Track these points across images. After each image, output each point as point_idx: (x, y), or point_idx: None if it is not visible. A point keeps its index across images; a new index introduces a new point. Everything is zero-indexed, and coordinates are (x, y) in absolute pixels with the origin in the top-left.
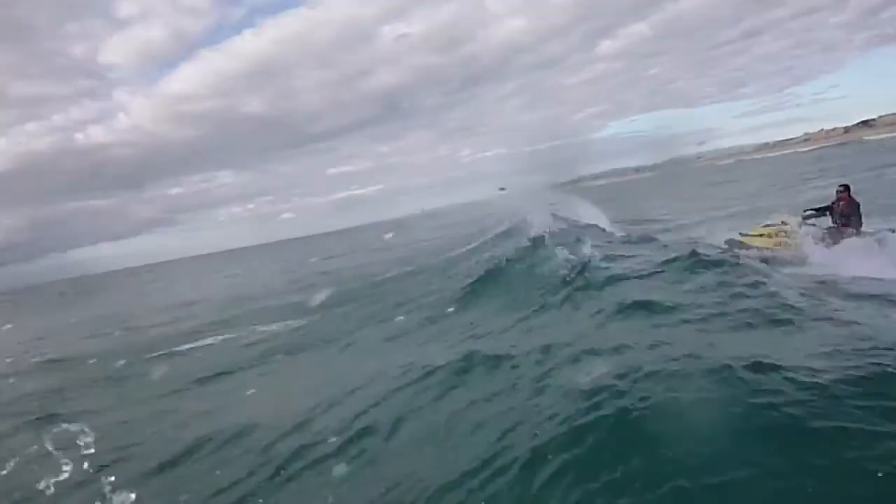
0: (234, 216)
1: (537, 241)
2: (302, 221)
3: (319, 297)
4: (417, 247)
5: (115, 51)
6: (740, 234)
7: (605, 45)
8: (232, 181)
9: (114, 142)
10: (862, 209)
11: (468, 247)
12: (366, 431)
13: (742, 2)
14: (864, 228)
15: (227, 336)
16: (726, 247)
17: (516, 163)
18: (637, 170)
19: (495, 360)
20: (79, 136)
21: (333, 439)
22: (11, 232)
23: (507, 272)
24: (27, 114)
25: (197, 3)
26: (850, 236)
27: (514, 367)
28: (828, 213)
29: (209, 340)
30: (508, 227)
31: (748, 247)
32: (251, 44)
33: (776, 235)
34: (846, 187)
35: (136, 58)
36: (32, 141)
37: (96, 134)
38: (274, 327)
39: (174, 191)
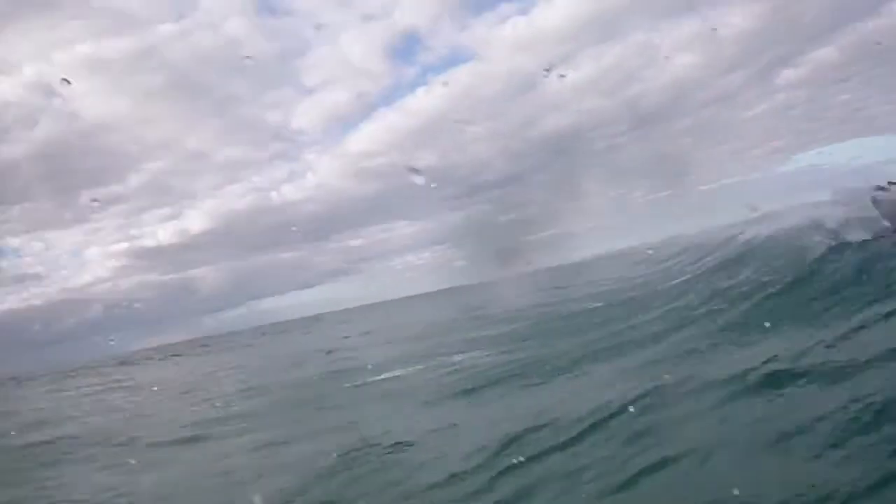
0: (409, 264)
1: None
2: (474, 268)
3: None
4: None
5: (304, 116)
6: None
7: (786, 74)
8: (408, 231)
9: (302, 199)
10: None
11: None
12: None
13: None
14: None
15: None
16: None
17: (688, 203)
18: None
19: None
20: (273, 194)
21: None
22: (216, 283)
23: None
24: (231, 176)
25: (374, 67)
26: None
27: None
28: None
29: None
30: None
31: None
32: (424, 100)
33: None
34: None
35: (321, 121)
36: (235, 201)
37: (288, 192)
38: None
39: (355, 242)
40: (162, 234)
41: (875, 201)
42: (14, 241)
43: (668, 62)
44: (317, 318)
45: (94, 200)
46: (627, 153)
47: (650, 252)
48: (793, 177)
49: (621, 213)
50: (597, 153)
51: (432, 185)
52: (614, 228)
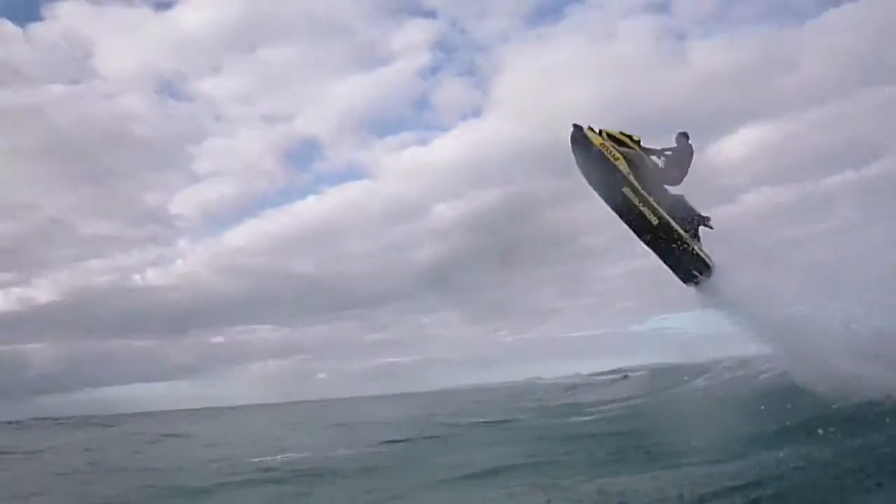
0: (268, 371)
1: None
2: (337, 383)
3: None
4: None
5: (186, 202)
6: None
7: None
8: (272, 336)
9: (167, 286)
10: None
11: None
12: None
13: None
14: None
15: None
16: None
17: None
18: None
19: None
20: (136, 276)
21: None
22: (51, 362)
23: None
24: (93, 251)
25: (268, 167)
26: None
27: None
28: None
29: None
30: None
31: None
32: (313, 208)
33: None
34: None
35: (204, 210)
36: (93, 276)
37: (153, 276)
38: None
39: (215, 339)
40: (2, 299)
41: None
42: None
43: (544, 212)
44: (151, 415)
45: None
46: (498, 292)
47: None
48: (647, 336)
49: (488, 348)
50: (468, 287)
51: (303, 294)
52: (480, 361)
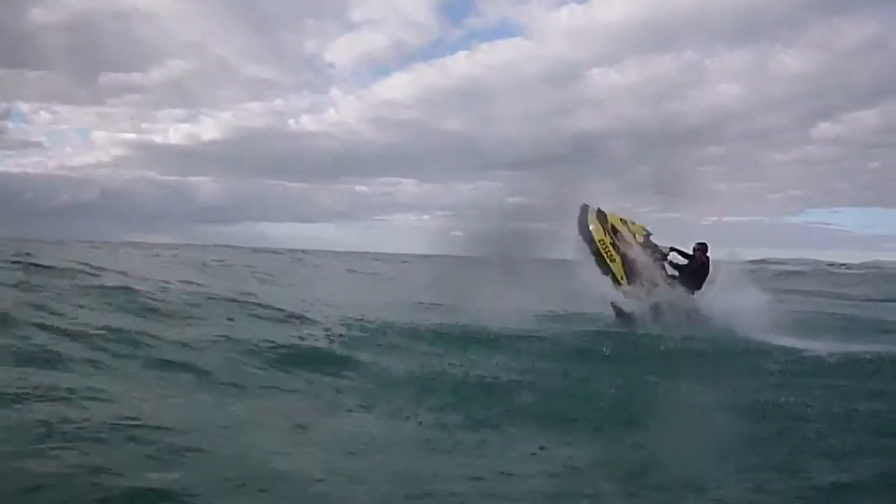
0: (409, 223)
1: None
2: (470, 242)
3: None
4: None
5: (340, 51)
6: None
7: (824, 128)
8: (414, 190)
9: (319, 132)
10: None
11: None
12: None
13: None
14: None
15: None
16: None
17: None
18: (832, 265)
19: None
20: (291, 121)
21: None
22: (216, 195)
23: None
24: (254, 94)
25: (422, 20)
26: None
27: None
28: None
29: None
30: None
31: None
32: (463, 64)
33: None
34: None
35: (356, 60)
36: (253, 119)
37: (306, 122)
38: None
39: (360, 188)
40: (173, 134)
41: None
42: (24, 107)
43: (714, 87)
44: (325, 255)
45: None
46: (649, 168)
47: None
48: (800, 230)
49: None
50: (619, 160)
51: (448, 152)
52: None
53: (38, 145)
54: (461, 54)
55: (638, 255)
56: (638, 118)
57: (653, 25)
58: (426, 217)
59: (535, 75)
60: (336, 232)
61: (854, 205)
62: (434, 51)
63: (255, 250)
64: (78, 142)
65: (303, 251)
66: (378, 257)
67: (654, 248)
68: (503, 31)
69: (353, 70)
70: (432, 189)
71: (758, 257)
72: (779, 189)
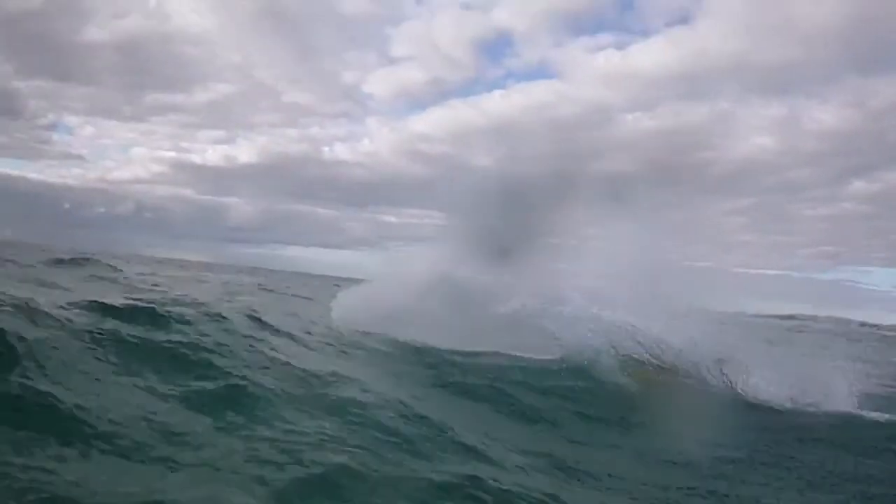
0: None
1: None
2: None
3: None
4: None
5: (379, 83)
6: None
7: (857, 185)
8: (440, 223)
9: (353, 161)
10: None
11: None
12: None
13: None
14: None
15: None
16: None
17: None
18: (864, 325)
19: None
20: (325, 149)
21: None
22: (247, 217)
23: None
24: (291, 120)
25: (459, 56)
26: None
27: None
28: None
29: None
30: None
31: None
32: (499, 103)
33: None
34: None
35: (393, 93)
36: (289, 144)
37: (340, 151)
38: None
39: (389, 218)
40: (211, 154)
41: None
42: (71, 119)
43: (746, 138)
44: (336, 280)
45: None
46: (678, 214)
47: None
48: (830, 287)
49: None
50: (646, 205)
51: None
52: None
53: (80, 157)
54: (497, 93)
55: None
56: (670, 164)
57: (687, 73)
58: None
59: (568, 118)
60: (359, 259)
61: (886, 265)
62: (471, 88)
63: (295, 274)
64: (118, 157)
65: (323, 276)
66: None
67: None
68: (540, 72)
69: (390, 102)
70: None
71: (787, 312)
72: (809, 245)
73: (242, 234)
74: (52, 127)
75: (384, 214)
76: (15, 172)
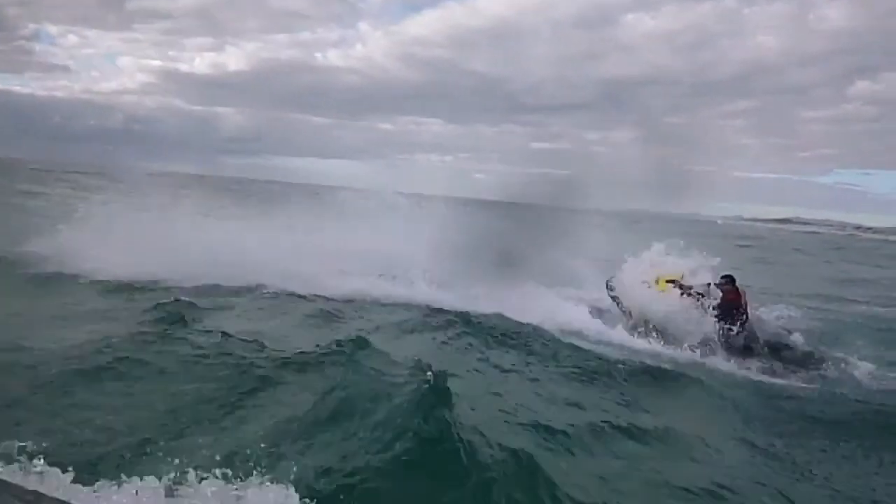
0: (431, 163)
1: None
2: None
3: None
4: None
5: None
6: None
7: (862, 86)
8: (439, 130)
9: (346, 68)
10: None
11: None
12: None
13: None
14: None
15: None
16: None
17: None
18: (859, 228)
19: None
20: (318, 55)
21: None
22: (239, 127)
23: None
24: (280, 25)
25: None
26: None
27: None
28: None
29: None
30: None
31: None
32: (496, 3)
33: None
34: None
35: None
36: (279, 50)
37: (333, 57)
38: None
39: (385, 126)
40: (199, 62)
41: (609, 286)
42: (52, 29)
43: (750, 38)
44: (345, 191)
45: None
46: (679, 117)
47: None
48: (828, 190)
49: (648, 175)
50: (650, 109)
51: (476, 93)
52: (633, 185)
53: (65, 69)
54: None
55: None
56: (671, 66)
57: None
58: (449, 158)
59: (567, 18)
60: (356, 168)
61: (887, 167)
62: None
63: (269, 183)
64: (105, 67)
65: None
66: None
67: (689, 292)
68: None
69: (383, 5)
70: (456, 130)
71: (783, 216)
72: (809, 147)
73: (235, 144)
74: (34, 37)
75: (380, 122)
76: (0, 87)
